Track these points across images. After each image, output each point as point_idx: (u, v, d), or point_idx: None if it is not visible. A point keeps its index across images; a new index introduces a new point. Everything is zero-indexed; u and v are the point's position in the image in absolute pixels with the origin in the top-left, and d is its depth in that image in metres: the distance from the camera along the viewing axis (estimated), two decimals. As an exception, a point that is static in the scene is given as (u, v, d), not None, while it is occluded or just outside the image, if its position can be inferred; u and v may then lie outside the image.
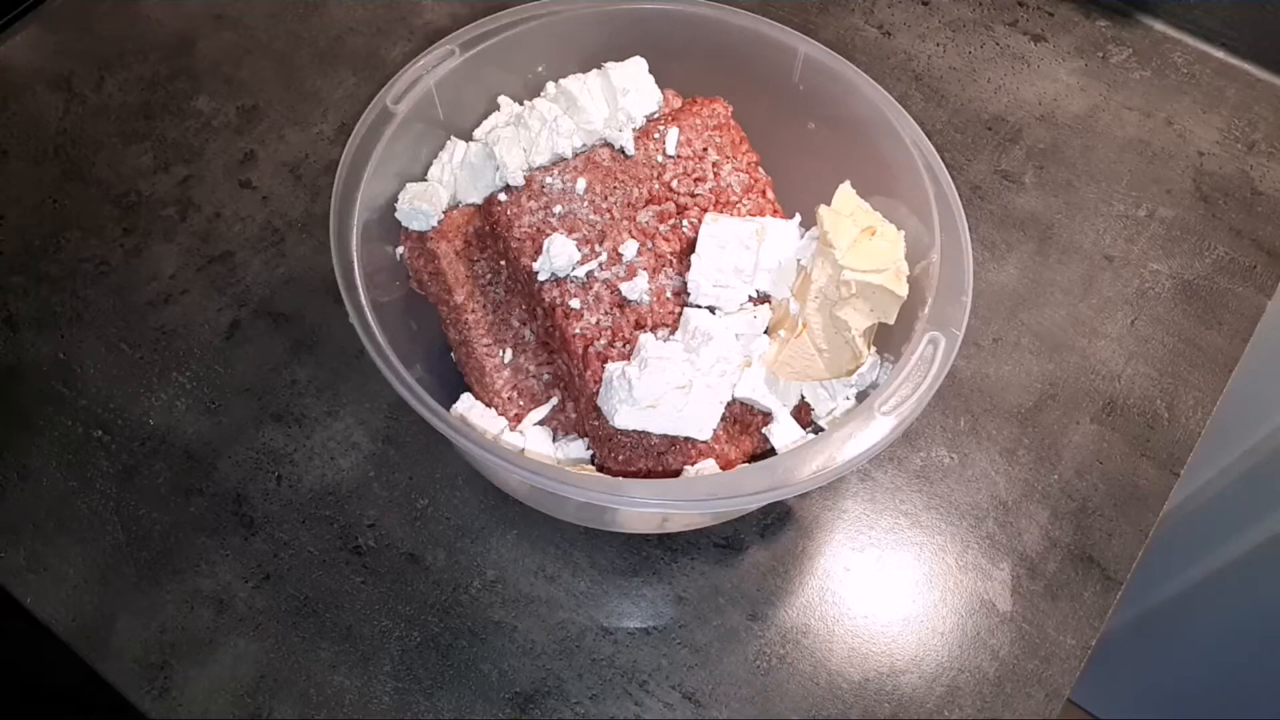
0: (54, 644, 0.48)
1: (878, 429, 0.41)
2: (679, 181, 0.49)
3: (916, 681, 0.48)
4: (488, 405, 0.48)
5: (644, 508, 0.39)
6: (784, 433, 0.46)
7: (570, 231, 0.47)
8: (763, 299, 0.48)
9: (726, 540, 0.51)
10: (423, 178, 0.52)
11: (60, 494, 0.52)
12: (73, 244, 0.60)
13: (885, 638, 0.49)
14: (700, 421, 0.44)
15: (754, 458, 0.47)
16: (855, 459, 0.40)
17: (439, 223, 0.51)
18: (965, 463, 0.54)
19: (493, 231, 0.48)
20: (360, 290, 0.44)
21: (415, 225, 0.51)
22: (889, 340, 0.48)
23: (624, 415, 0.43)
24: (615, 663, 0.48)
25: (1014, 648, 0.49)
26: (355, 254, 0.45)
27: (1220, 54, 0.70)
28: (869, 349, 0.47)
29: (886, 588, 0.51)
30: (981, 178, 0.64)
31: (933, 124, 0.66)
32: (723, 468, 0.46)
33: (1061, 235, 0.62)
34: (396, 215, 0.51)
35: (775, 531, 0.52)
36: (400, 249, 0.52)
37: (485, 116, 0.54)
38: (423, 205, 0.50)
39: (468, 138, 0.53)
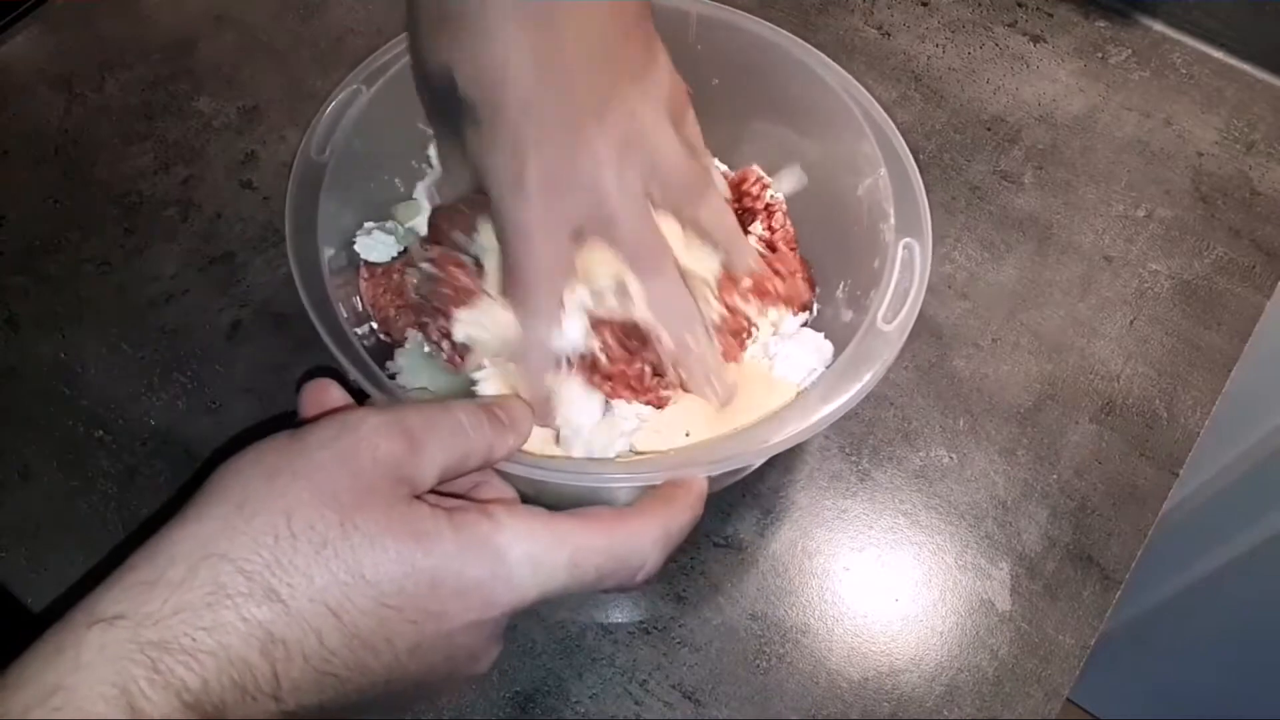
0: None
1: (888, 340, 0.41)
2: None
3: (916, 681, 0.48)
4: None
5: (713, 469, 0.39)
6: (795, 363, 0.46)
7: None
8: None
9: (726, 539, 0.51)
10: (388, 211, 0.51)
11: (61, 494, 0.52)
12: (74, 244, 0.60)
13: (885, 637, 0.49)
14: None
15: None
16: (876, 373, 0.40)
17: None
18: (964, 462, 0.54)
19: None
20: (356, 348, 0.41)
21: (375, 256, 0.49)
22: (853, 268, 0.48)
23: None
24: (615, 662, 0.48)
25: (1013, 647, 0.49)
26: (340, 308, 0.42)
27: (1220, 54, 0.70)
28: (768, 319, 0.46)
29: (886, 587, 0.51)
30: (980, 178, 0.64)
31: (932, 124, 0.66)
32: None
33: (1060, 235, 0.62)
34: (356, 248, 0.49)
35: (775, 531, 0.52)
36: (359, 294, 0.49)
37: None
38: (398, 222, 0.49)
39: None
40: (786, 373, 0.46)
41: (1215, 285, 0.60)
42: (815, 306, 0.50)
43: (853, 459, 0.54)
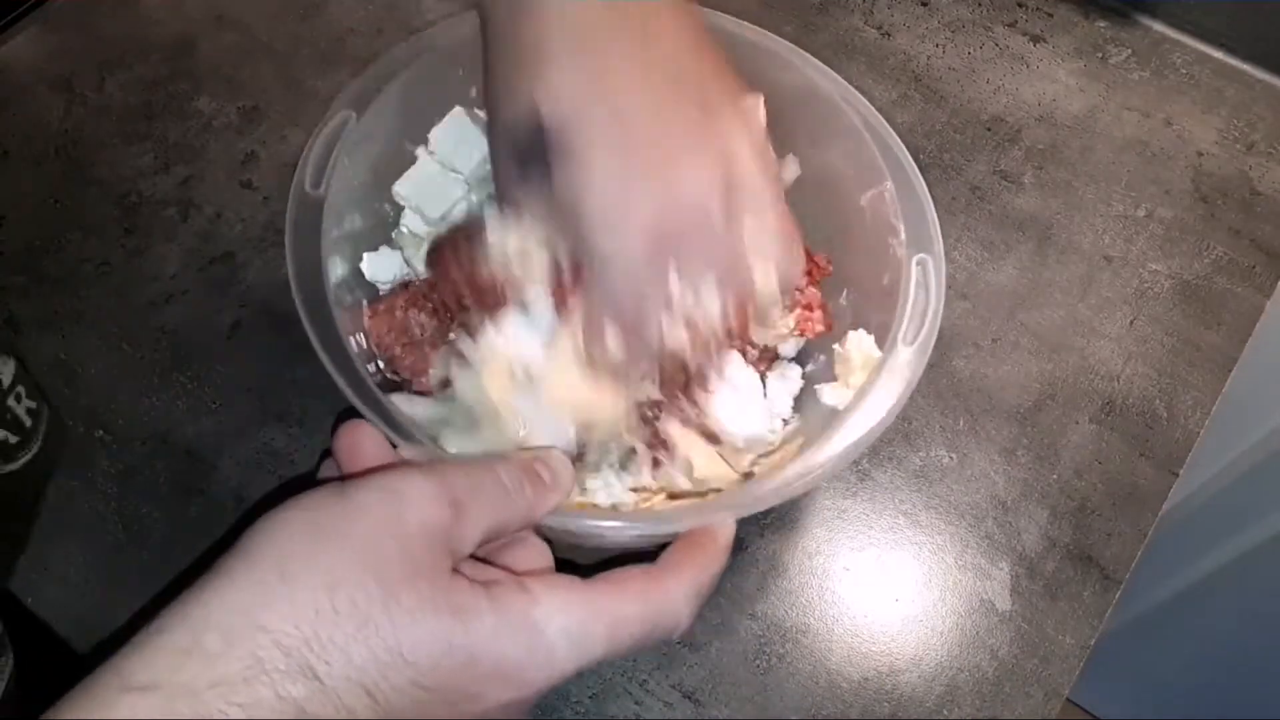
0: (55, 643, 0.48)
1: (911, 361, 0.41)
2: None
3: (916, 681, 0.48)
4: None
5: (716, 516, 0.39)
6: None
7: None
8: None
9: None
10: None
11: (61, 494, 0.52)
12: (74, 244, 0.60)
13: (885, 637, 0.49)
14: None
15: None
16: (903, 394, 0.40)
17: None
18: (964, 462, 0.54)
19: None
20: (382, 403, 0.40)
21: (382, 275, 0.49)
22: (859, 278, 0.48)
23: None
24: (615, 662, 0.48)
25: (1013, 647, 0.49)
26: (348, 340, 0.42)
27: (1220, 54, 0.70)
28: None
29: (886, 587, 0.51)
30: (980, 178, 0.64)
31: (932, 124, 0.66)
32: None
33: (1060, 235, 0.62)
34: (362, 267, 0.49)
35: (775, 531, 0.52)
36: (361, 329, 0.48)
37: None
38: (408, 226, 0.49)
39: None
40: (737, 429, 0.46)
41: (1215, 285, 0.60)
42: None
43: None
